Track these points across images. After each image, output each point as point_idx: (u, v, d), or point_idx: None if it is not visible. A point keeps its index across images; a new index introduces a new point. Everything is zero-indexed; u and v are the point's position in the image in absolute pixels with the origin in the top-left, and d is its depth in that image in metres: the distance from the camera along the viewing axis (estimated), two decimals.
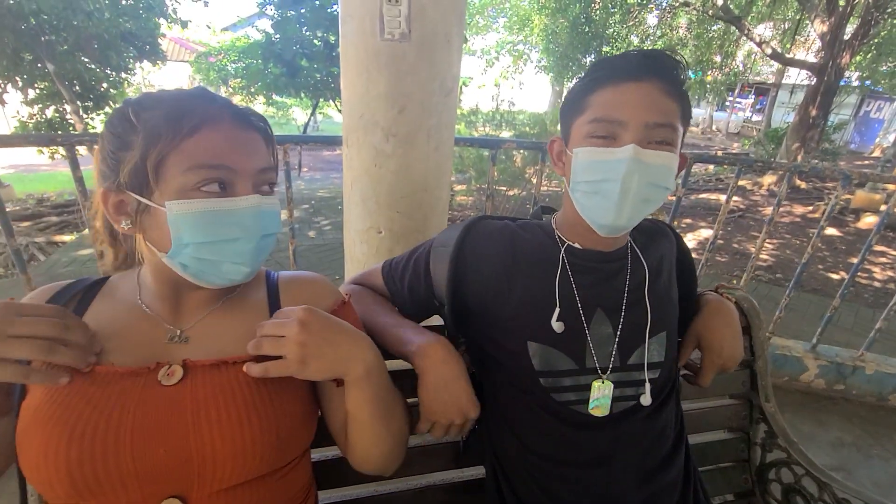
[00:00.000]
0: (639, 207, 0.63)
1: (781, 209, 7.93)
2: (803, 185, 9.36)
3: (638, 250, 0.73)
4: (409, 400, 0.74)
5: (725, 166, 11.16)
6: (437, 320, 0.80)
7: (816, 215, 7.50)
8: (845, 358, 2.09)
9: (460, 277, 0.70)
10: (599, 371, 0.67)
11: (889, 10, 7.58)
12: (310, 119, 8.98)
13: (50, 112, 6.20)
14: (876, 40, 9.59)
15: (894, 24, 8.82)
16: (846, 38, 7.79)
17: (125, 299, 0.59)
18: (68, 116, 6.17)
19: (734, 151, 13.87)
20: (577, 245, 0.70)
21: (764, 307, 2.40)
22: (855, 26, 7.76)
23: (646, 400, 0.67)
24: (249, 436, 0.52)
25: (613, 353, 0.67)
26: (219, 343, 0.57)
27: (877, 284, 5.10)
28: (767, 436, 0.98)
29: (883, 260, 5.92)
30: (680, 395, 0.79)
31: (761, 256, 5.68)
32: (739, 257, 5.71)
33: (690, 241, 6.09)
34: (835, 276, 5.22)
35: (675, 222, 7.05)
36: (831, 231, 6.92)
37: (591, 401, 0.66)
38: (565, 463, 0.67)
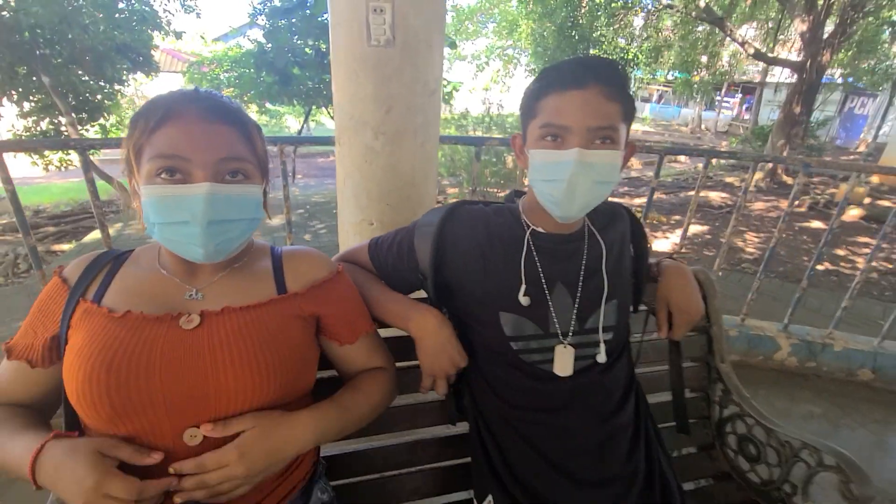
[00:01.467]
0: (587, 199, 0.72)
1: (768, 204, 8.11)
2: (790, 180, 9.55)
3: (595, 231, 0.83)
4: (406, 363, 0.86)
5: (714, 162, 11.35)
6: (419, 294, 0.90)
7: (802, 209, 7.67)
8: (815, 336, 2.20)
9: (441, 254, 0.80)
10: (561, 335, 0.77)
11: (866, 9, 7.80)
12: (303, 126, 9.08)
13: (44, 124, 6.26)
14: (856, 38, 9.84)
15: (870, 23, 9.03)
16: (825, 36, 8.00)
17: (148, 266, 0.69)
18: (63, 128, 6.24)
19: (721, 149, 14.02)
20: (540, 229, 0.80)
21: (746, 296, 2.49)
22: (834, 25, 7.97)
23: (601, 358, 0.78)
24: (258, 373, 0.62)
25: (573, 319, 0.77)
26: (229, 299, 0.67)
27: (858, 273, 5.24)
28: (724, 393, 1.09)
29: (866, 250, 6.07)
30: (631, 353, 0.89)
31: (748, 249, 5.82)
32: (727, 251, 5.84)
33: (678, 237, 6.23)
34: (819, 268, 5.36)
35: (664, 219, 7.12)
36: (817, 224, 7.10)
37: (555, 363, 0.76)
38: (535, 410, 0.77)
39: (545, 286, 0.77)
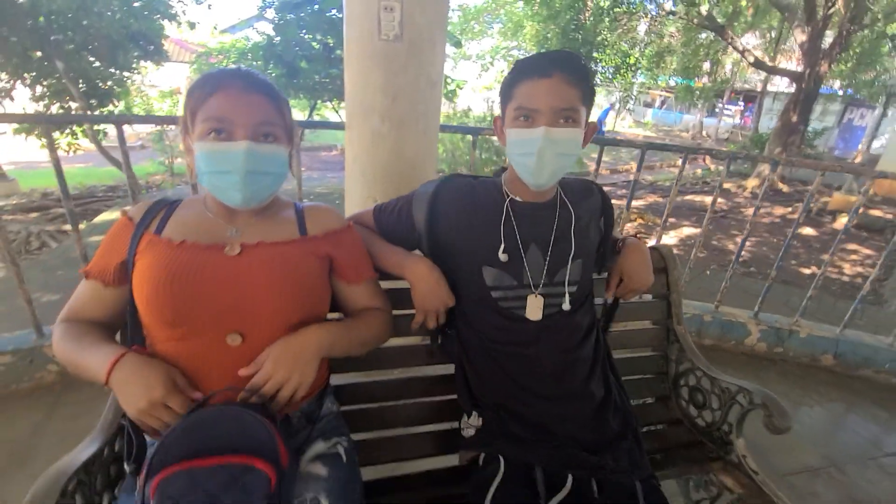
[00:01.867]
0: (554, 169, 0.87)
1: (762, 210, 8.25)
2: (785, 188, 9.73)
3: (568, 202, 0.98)
4: (400, 311, 1.01)
5: (712, 168, 11.51)
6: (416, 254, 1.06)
7: (794, 216, 7.86)
8: (783, 324, 2.37)
9: (435, 217, 0.96)
10: (533, 287, 0.93)
11: (864, 22, 7.96)
12: (307, 120, 9.24)
13: (55, 109, 6.40)
14: (856, 50, 10.00)
15: (866, 37, 9.18)
16: (825, 47, 8.16)
17: (197, 210, 0.85)
18: (73, 113, 6.38)
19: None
20: (517, 198, 0.96)
21: (736, 296, 2.65)
22: (833, 37, 8.13)
23: (566, 306, 0.93)
24: (285, 294, 0.78)
25: (543, 273, 0.93)
26: (262, 237, 0.82)
27: (845, 279, 5.41)
28: (680, 352, 1.25)
29: (854, 257, 6.24)
30: (594, 301, 1.04)
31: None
32: (718, 253, 5.99)
33: (672, 238, 6.41)
34: (806, 271, 5.52)
35: (658, 220, 7.25)
36: (808, 230, 7.26)
37: (527, 309, 0.92)
38: (509, 343, 0.93)
39: (521, 246, 0.93)
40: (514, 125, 0.88)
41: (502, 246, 0.92)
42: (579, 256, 0.96)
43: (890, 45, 9.66)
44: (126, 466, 0.74)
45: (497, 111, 1.02)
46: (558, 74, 0.83)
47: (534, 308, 0.92)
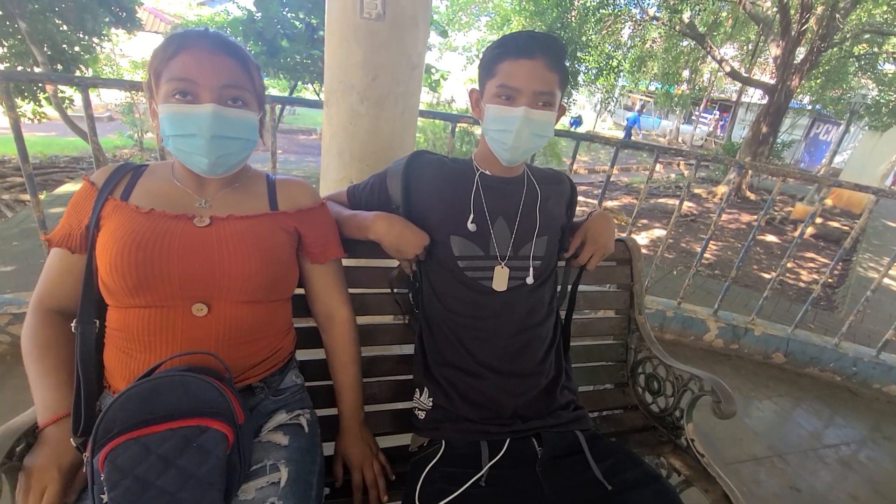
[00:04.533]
0: (528, 147, 0.91)
1: (729, 216, 8.56)
2: (752, 196, 10.12)
3: (535, 183, 1.01)
4: (367, 290, 1.01)
5: (685, 174, 11.85)
6: None
7: (761, 223, 8.18)
8: (740, 322, 2.48)
9: (409, 188, 0.97)
10: (499, 258, 0.95)
11: (833, 41, 8.30)
12: None
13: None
14: (826, 68, 10.42)
15: (835, 55, 9.57)
16: (797, 62, 8.47)
17: (164, 178, 0.82)
18: (53, 72, 6.04)
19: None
20: (487, 172, 0.98)
21: (701, 296, 2.76)
22: (805, 53, 8.45)
23: (529, 280, 0.96)
24: (252, 264, 0.77)
25: (510, 246, 0.95)
26: (231, 210, 0.81)
27: (802, 284, 5.68)
28: (639, 341, 1.29)
29: (811, 265, 6.56)
30: (557, 280, 1.06)
31: (705, 255, 6.21)
32: (686, 255, 6.20)
33: (644, 239, 6.59)
34: (766, 276, 5.76)
35: (627, 219, 7.42)
36: (771, 238, 7.60)
37: (494, 279, 0.94)
38: (471, 317, 0.95)
39: (489, 217, 0.95)
40: (495, 101, 0.89)
41: (471, 216, 0.93)
42: (544, 233, 0.99)
43: (857, 64, 10.10)
44: (73, 441, 0.70)
45: None
46: (541, 57, 0.85)
47: (500, 279, 0.94)
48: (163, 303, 0.74)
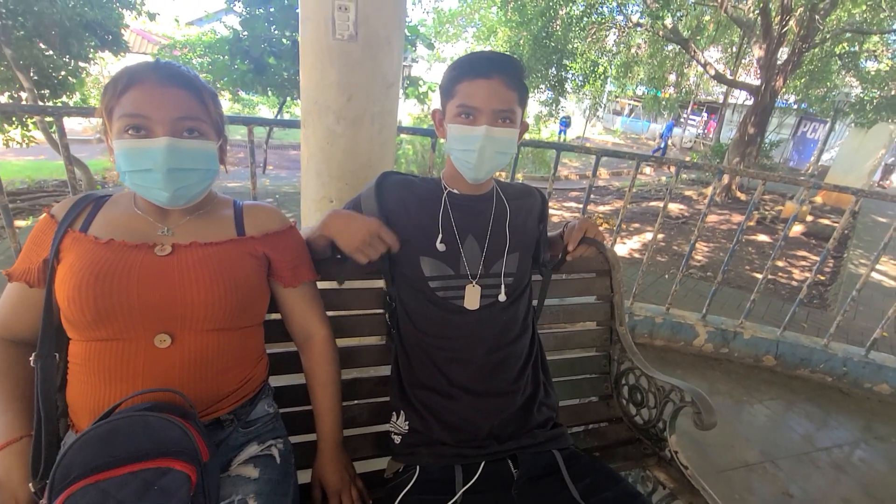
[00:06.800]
0: (492, 165, 0.91)
1: (721, 217, 8.62)
2: (743, 196, 10.19)
3: (504, 199, 1.01)
4: (347, 312, 1.00)
5: (674, 174, 11.91)
6: None
7: (751, 223, 8.23)
8: (729, 325, 2.48)
9: (384, 210, 0.96)
10: (470, 277, 0.94)
11: (815, 41, 8.43)
12: (276, 117, 9.07)
13: (3, 98, 6.05)
14: (810, 67, 10.58)
15: (817, 54, 9.72)
16: (780, 63, 8.60)
17: (126, 207, 0.82)
18: (24, 104, 6.05)
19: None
20: (455, 190, 0.98)
21: (692, 300, 2.77)
22: (787, 54, 8.58)
23: (502, 297, 0.95)
24: (216, 292, 0.76)
25: (480, 264, 0.95)
26: (195, 237, 0.80)
27: (794, 283, 5.70)
28: (621, 352, 1.29)
29: (803, 263, 6.59)
30: (531, 295, 1.06)
31: (696, 257, 6.23)
32: (678, 258, 6.22)
33: (636, 242, 6.62)
34: (758, 276, 5.78)
35: (623, 226, 7.45)
36: (763, 238, 7.64)
37: (465, 298, 0.94)
38: (444, 337, 0.94)
39: (458, 236, 0.95)
40: (456, 121, 0.90)
41: (440, 236, 0.93)
42: (516, 250, 0.98)
43: (839, 63, 10.26)
44: (31, 486, 0.69)
45: None
46: (497, 77, 0.86)
47: (472, 297, 0.94)
48: (124, 335, 0.73)
